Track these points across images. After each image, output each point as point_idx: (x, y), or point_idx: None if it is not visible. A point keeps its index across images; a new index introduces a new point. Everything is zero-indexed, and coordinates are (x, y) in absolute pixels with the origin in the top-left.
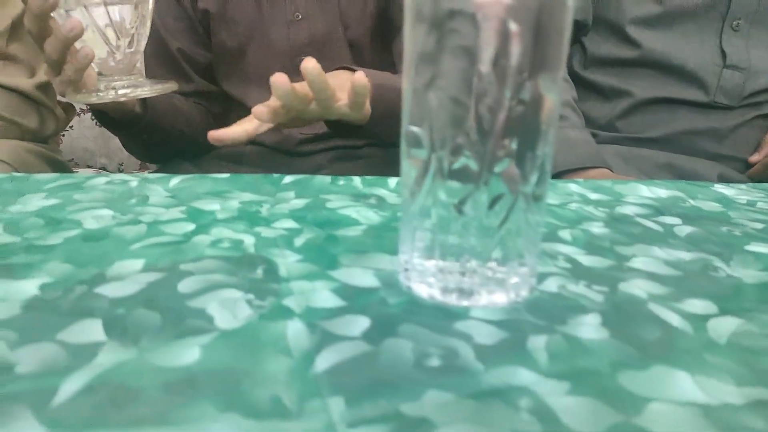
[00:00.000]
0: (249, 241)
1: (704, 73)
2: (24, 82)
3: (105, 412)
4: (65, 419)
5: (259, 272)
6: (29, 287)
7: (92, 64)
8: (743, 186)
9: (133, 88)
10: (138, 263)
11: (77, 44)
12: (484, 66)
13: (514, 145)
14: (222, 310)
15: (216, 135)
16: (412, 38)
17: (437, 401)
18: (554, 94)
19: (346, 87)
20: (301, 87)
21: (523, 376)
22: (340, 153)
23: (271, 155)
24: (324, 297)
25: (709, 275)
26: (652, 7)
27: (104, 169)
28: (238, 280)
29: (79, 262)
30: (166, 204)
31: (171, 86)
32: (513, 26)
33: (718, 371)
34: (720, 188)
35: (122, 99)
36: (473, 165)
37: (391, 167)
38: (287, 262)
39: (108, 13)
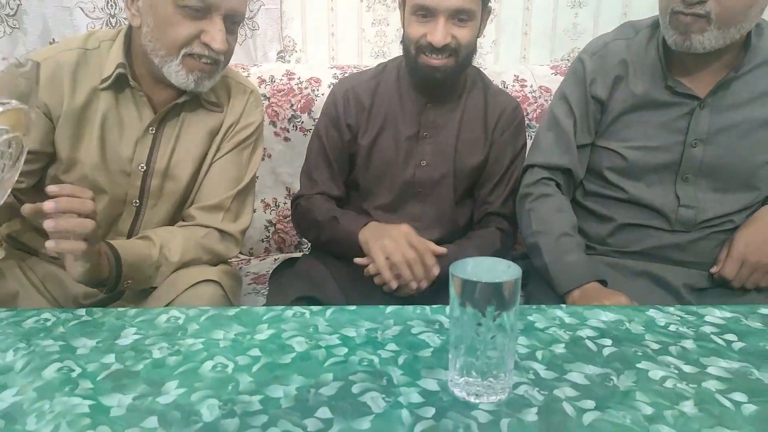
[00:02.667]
0: (376, 360)
1: (665, 209)
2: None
3: None
4: None
5: (384, 381)
6: (291, 389)
7: None
8: (671, 309)
9: None
10: (329, 376)
11: None
12: None
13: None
14: (372, 403)
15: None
16: None
17: None
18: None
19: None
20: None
21: None
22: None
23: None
24: (415, 397)
25: (604, 384)
26: (619, 161)
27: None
28: (376, 386)
29: (305, 374)
30: (329, 332)
31: None
32: None
33: None
34: (651, 312)
35: None
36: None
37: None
38: (396, 375)
39: None
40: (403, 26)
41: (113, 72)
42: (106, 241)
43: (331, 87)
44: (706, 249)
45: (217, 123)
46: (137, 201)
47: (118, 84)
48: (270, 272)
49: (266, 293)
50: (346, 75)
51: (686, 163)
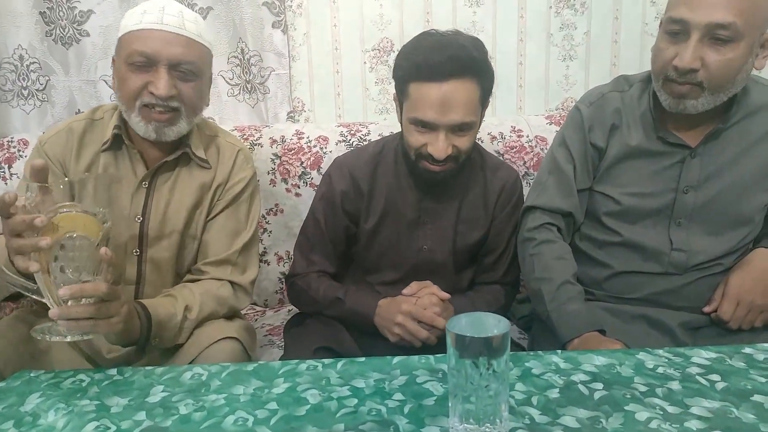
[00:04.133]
0: (383, 410)
1: (658, 253)
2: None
3: None
4: None
5: (391, 430)
6: None
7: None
8: (660, 351)
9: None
10: (341, 426)
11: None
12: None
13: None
14: None
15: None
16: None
17: None
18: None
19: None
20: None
21: None
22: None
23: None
24: None
25: (593, 427)
26: (614, 205)
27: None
28: None
29: (319, 424)
30: (340, 383)
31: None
32: None
33: None
34: (641, 355)
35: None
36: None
37: None
38: (402, 423)
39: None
40: (401, 125)
41: (111, 134)
42: (138, 301)
43: (327, 170)
44: (697, 292)
45: (208, 179)
46: (137, 250)
47: (116, 144)
48: (284, 323)
49: (281, 344)
50: (343, 153)
51: (679, 209)
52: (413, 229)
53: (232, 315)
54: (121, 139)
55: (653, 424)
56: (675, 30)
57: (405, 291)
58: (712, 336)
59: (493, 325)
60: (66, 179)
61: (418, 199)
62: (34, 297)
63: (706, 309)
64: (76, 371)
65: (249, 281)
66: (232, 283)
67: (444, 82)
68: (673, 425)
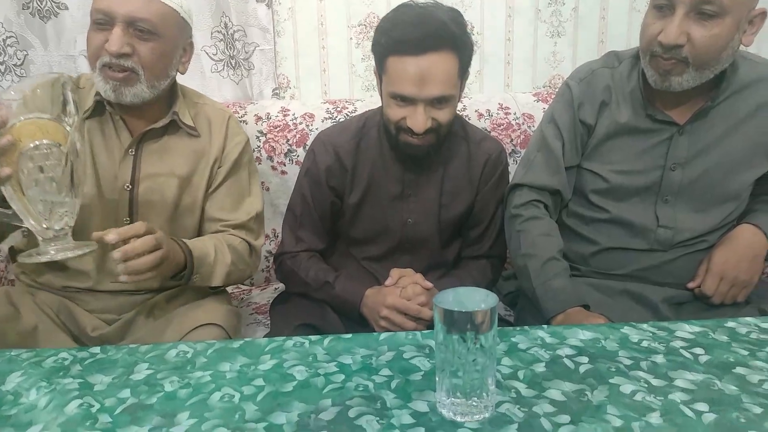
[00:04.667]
0: (371, 385)
1: (644, 229)
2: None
3: None
4: None
5: (378, 405)
6: (293, 416)
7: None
8: (645, 325)
9: (64, 250)
10: (328, 402)
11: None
12: None
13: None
14: (368, 426)
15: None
16: None
17: None
18: None
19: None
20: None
21: None
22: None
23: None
24: (406, 418)
25: (579, 400)
26: (601, 183)
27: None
28: (370, 409)
29: (305, 401)
30: (327, 360)
31: (92, 246)
32: None
33: None
34: (626, 329)
35: (57, 259)
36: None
37: None
38: (389, 398)
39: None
40: (382, 100)
41: (93, 101)
42: (176, 239)
43: (310, 145)
44: (682, 268)
45: (201, 147)
46: (128, 218)
47: (98, 111)
48: (270, 302)
49: (267, 323)
50: (326, 128)
51: (666, 186)
52: (397, 203)
53: (220, 299)
54: (103, 106)
55: (638, 397)
56: (661, 4)
57: (386, 282)
58: (695, 311)
59: (480, 299)
60: (15, 93)
61: (401, 172)
62: (13, 223)
63: (690, 284)
64: (57, 350)
65: (260, 245)
66: (250, 245)
67: (422, 55)
68: (658, 397)
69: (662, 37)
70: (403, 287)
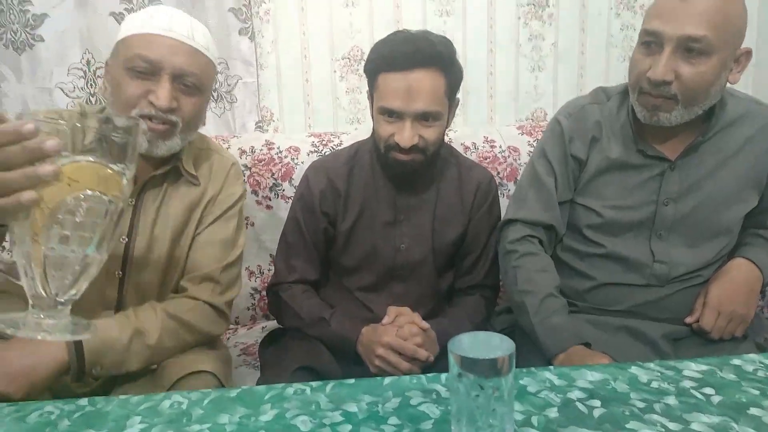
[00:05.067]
0: None
1: (640, 264)
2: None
3: None
4: None
5: None
6: None
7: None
8: (651, 365)
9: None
10: None
11: None
12: None
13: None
14: None
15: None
16: None
17: None
18: None
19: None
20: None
21: None
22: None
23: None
24: None
25: None
26: (596, 218)
27: None
28: None
29: None
30: (331, 408)
31: (92, 330)
32: None
33: None
34: (634, 369)
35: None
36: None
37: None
38: None
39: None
40: (373, 120)
41: None
42: None
43: (305, 171)
44: (678, 303)
45: (197, 196)
46: (120, 272)
47: None
48: (259, 342)
49: (256, 364)
50: (319, 157)
51: (659, 221)
52: (390, 229)
53: (210, 341)
54: None
55: None
56: (649, 41)
57: (383, 321)
58: (693, 346)
59: (496, 344)
60: (65, 121)
61: (394, 196)
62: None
63: (688, 319)
64: (42, 403)
65: (226, 301)
66: (210, 305)
67: (410, 71)
68: None
69: (651, 73)
70: (399, 326)
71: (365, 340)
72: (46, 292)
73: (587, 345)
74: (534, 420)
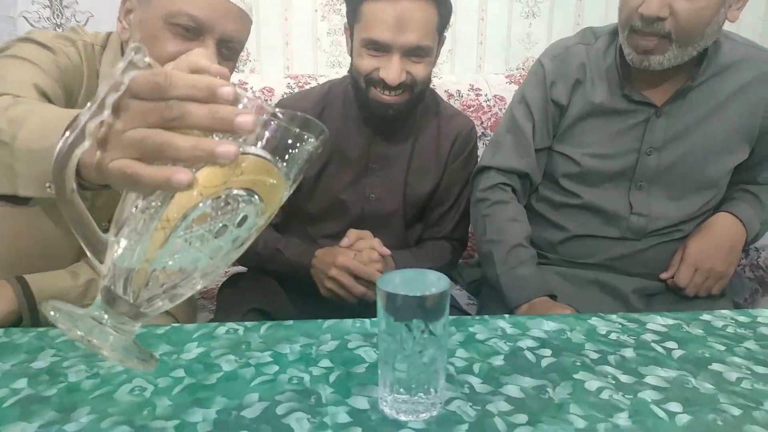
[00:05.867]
0: (306, 378)
1: (617, 216)
2: None
3: None
4: None
5: (312, 400)
6: (211, 413)
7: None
8: (613, 316)
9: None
10: (255, 396)
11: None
12: None
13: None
14: (297, 425)
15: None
16: None
17: None
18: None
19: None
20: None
21: None
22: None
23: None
24: (342, 417)
25: (539, 397)
26: (573, 167)
27: None
28: (302, 405)
29: (229, 395)
30: (261, 348)
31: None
32: None
33: None
34: (593, 320)
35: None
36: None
37: None
38: (326, 393)
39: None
40: (351, 54)
41: None
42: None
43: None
44: (654, 258)
45: None
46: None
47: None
48: (219, 286)
49: (213, 308)
50: (288, 95)
51: (640, 171)
52: (361, 176)
53: None
54: None
55: (604, 394)
56: None
57: (342, 242)
58: (667, 303)
59: (431, 282)
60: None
61: (368, 143)
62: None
63: (663, 275)
64: None
65: None
66: None
67: (400, 0)
68: (626, 395)
69: (643, 8)
70: (358, 251)
71: (318, 262)
72: (131, 295)
73: (553, 297)
74: (475, 367)
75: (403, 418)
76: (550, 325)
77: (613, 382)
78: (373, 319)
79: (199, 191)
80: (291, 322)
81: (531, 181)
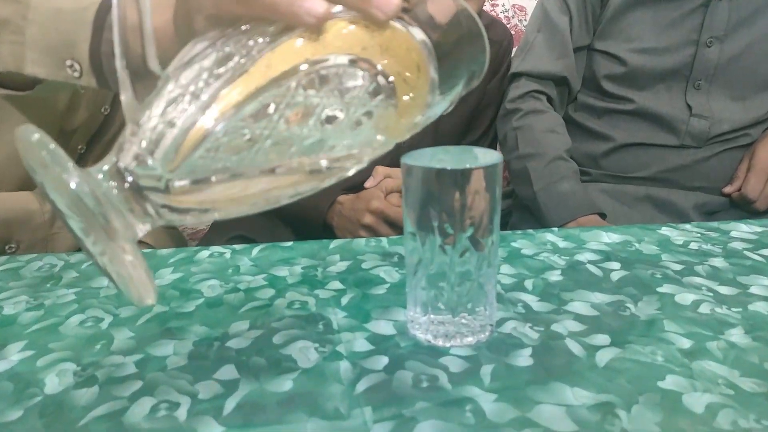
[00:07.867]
0: (311, 302)
1: (674, 120)
2: None
3: (251, 415)
4: (234, 420)
5: (321, 327)
6: (187, 345)
7: None
8: (688, 226)
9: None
10: (245, 324)
11: None
12: None
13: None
14: (301, 355)
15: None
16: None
17: (422, 407)
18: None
19: None
20: None
21: (472, 391)
22: None
23: None
24: (360, 343)
25: (618, 314)
26: (618, 67)
27: None
28: (307, 332)
29: (210, 324)
30: (253, 272)
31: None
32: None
33: (588, 384)
34: (665, 231)
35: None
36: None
37: None
38: (337, 318)
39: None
40: None
41: None
42: None
43: None
44: (717, 168)
45: None
46: (83, 147)
47: None
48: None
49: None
50: None
51: (699, 67)
52: None
53: None
54: None
55: (704, 308)
56: None
57: (367, 183)
58: (732, 221)
59: (474, 157)
60: None
61: None
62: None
63: (727, 189)
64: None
65: None
66: None
67: None
68: (734, 309)
69: None
70: (388, 191)
71: (345, 209)
72: (159, 177)
73: (602, 216)
74: (528, 284)
75: (443, 343)
76: (611, 237)
77: (711, 293)
78: (392, 237)
79: (328, 41)
80: (290, 243)
81: (569, 87)
